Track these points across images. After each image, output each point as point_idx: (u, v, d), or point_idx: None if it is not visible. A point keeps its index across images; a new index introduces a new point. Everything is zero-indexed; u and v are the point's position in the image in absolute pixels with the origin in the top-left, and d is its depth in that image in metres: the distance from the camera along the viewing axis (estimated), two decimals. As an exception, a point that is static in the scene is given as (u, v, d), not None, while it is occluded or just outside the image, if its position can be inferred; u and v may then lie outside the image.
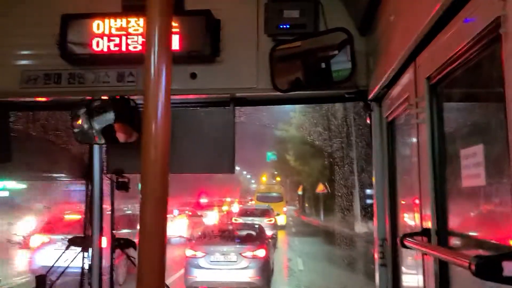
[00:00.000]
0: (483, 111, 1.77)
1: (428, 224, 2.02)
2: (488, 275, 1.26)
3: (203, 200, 37.61)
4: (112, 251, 3.40)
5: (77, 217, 14.64)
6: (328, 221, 32.03)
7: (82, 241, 3.45)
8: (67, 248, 3.47)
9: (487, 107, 1.69)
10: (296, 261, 19.07)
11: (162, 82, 1.34)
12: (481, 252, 1.60)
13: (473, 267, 1.28)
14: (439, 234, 1.96)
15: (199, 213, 30.69)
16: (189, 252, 13.95)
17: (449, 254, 1.70)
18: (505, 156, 1.32)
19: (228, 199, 46.49)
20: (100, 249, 3.40)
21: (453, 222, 1.93)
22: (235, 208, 39.67)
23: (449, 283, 1.91)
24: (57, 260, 3.41)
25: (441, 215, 1.96)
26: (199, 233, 18.00)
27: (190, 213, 28.14)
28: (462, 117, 2.03)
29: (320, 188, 31.97)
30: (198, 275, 13.38)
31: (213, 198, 41.65)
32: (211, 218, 31.68)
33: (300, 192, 47.70)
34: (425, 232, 2.05)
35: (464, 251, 1.78)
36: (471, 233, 1.82)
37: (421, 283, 2.14)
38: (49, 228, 14.69)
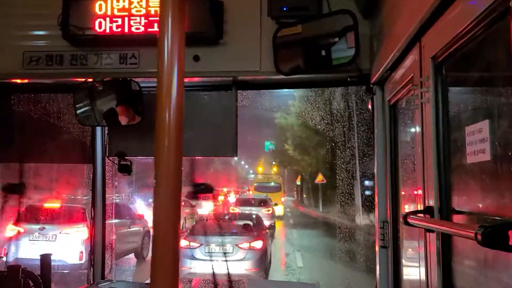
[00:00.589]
0: (489, 88, 1.83)
1: (431, 202, 2.10)
2: (494, 244, 1.32)
3: (198, 190, 37.35)
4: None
5: (56, 205, 14.25)
6: (327, 212, 31.57)
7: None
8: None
9: (493, 85, 1.76)
10: (295, 256, 18.41)
11: (176, 65, 1.35)
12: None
13: (479, 237, 1.33)
14: (442, 212, 2.03)
15: (192, 203, 29.75)
16: (183, 243, 13.79)
17: (453, 226, 1.78)
18: (510, 131, 1.39)
19: (225, 189, 46.03)
20: (103, 232, 3.54)
21: (456, 200, 2.01)
22: (232, 198, 39.58)
23: (451, 260, 1.99)
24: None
25: (444, 192, 2.04)
26: (193, 223, 17.99)
27: (182, 203, 27.73)
28: (467, 95, 2.09)
29: (319, 178, 31.91)
30: (193, 267, 13.24)
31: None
32: (206, 208, 31.00)
33: (298, 183, 47.72)
34: (428, 210, 2.12)
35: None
36: (474, 210, 1.88)
37: (422, 263, 2.23)
38: (24, 217, 13.58)
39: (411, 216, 2.15)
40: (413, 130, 2.48)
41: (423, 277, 2.23)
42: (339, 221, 25.02)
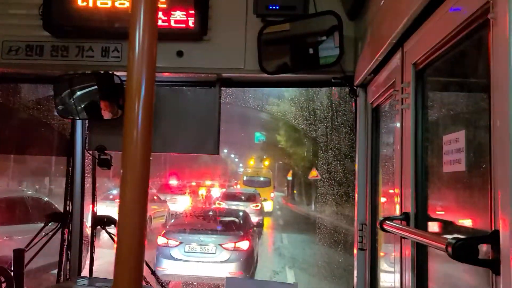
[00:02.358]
0: (467, 97, 1.98)
1: (408, 209, 2.27)
2: (464, 257, 1.42)
3: (173, 182, 34.42)
4: (93, 228, 3.76)
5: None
6: (321, 212, 29.33)
7: (61, 217, 3.80)
8: (45, 224, 3.83)
9: (472, 93, 1.91)
10: (286, 275, 15.84)
11: (147, 59, 1.44)
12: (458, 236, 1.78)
13: (449, 249, 1.43)
14: (418, 219, 2.20)
15: (166, 198, 27.43)
16: (160, 240, 13.54)
17: (426, 237, 1.89)
18: (486, 142, 1.48)
19: (209, 182, 44.48)
20: (81, 226, 3.76)
21: (432, 207, 2.17)
22: (215, 192, 39.01)
23: (426, 267, 2.16)
24: (36, 236, 3.75)
25: (420, 199, 2.21)
26: (169, 221, 17.24)
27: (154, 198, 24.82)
28: (446, 103, 2.25)
29: (313, 173, 30.62)
30: (170, 267, 13.02)
31: (190, 180, 39.98)
32: (182, 204, 28.27)
33: (289, 177, 47.16)
34: (404, 216, 2.29)
35: (442, 235, 1.97)
36: (449, 218, 2.05)
37: (398, 267, 2.41)
38: None
39: (387, 222, 2.32)
40: (394, 133, 2.64)
41: (398, 281, 2.40)
42: (337, 224, 23.29)
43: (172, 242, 13.36)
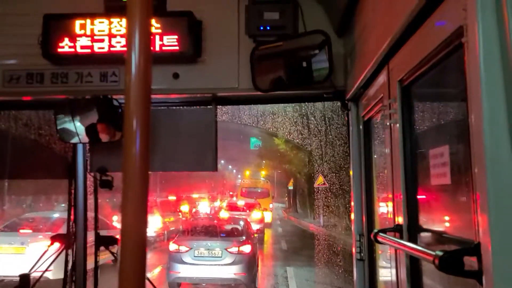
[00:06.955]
0: (451, 112, 1.95)
1: (400, 220, 2.22)
2: (450, 269, 1.43)
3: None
4: (97, 248, 3.61)
5: None
6: (331, 227, 24.36)
7: (64, 239, 3.65)
8: (50, 245, 3.68)
9: (455, 109, 1.87)
10: None
11: (143, 82, 1.41)
12: (447, 247, 1.76)
13: (437, 262, 1.44)
14: (410, 230, 2.15)
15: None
16: (172, 247, 14.19)
17: (416, 249, 1.87)
18: (467, 155, 1.47)
19: (196, 195, 40.29)
20: (85, 246, 3.62)
21: (424, 219, 2.12)
22: (203, 207, 36.28)
23: (419, 275, 2.11)
24: (40, 258, 3.59)
25: (412, 211, 2.16)
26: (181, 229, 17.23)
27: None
28: (432, 118, 2.21)
29: (320, 180, 24.41)
30: (181, 271, 13.65)
31: (164, 194, 34.77)
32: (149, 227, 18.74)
33: (290, 187, 43.33)
34: (397, 228, 2.25)
35: (433, 246, 1.98)
36: (439, 229, 2.01)
37: (394, 277, 2.34)
38: None
39: (380, 234, 2.28)
40: (385, 146, 2.58)
41: None
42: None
43: (183, 248, 13.95)
